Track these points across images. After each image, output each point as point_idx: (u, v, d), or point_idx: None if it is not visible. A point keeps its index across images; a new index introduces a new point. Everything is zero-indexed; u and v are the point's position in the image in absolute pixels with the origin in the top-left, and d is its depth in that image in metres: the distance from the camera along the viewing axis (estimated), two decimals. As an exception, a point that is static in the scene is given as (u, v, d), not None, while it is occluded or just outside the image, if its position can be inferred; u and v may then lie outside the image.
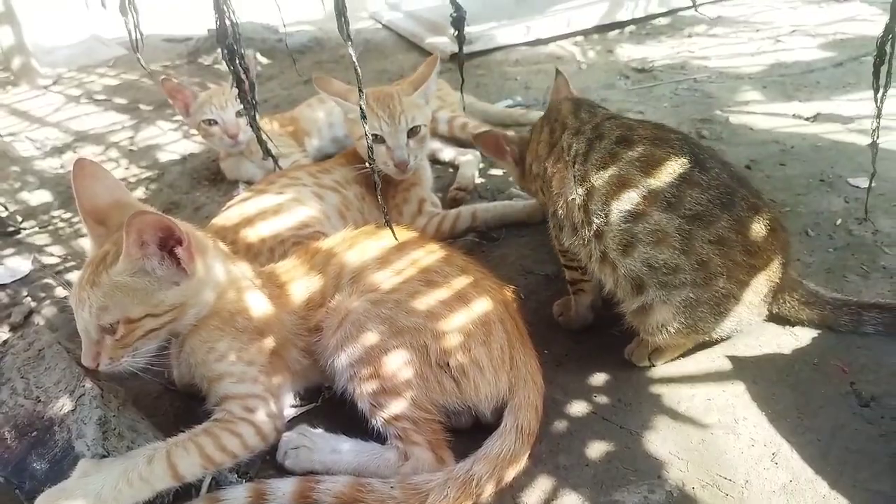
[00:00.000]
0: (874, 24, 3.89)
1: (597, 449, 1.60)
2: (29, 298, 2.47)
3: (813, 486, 1.43)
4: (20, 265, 2.69)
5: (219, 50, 2.13)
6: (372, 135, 2.39)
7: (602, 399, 1.74)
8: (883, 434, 1.52)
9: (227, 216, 2.25)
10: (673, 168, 1.62)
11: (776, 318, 1.84)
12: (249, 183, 3.07)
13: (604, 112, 1.93)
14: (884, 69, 1.64)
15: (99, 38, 5.46)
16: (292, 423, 1.76)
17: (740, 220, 1.60)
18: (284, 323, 1.76)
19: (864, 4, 4.23)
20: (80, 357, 1.73)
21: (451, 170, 3.03)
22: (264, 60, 4.60)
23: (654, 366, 1.80)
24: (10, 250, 2.79)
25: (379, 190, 1.74)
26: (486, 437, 1.57)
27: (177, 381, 1.85)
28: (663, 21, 4.37)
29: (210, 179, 3.25)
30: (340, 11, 1.34)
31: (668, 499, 1.45)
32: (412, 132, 2.40)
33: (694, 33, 4.16)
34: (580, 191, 1.71)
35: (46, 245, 2.85)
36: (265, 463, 1.67)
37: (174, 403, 1.91)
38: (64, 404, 1.57)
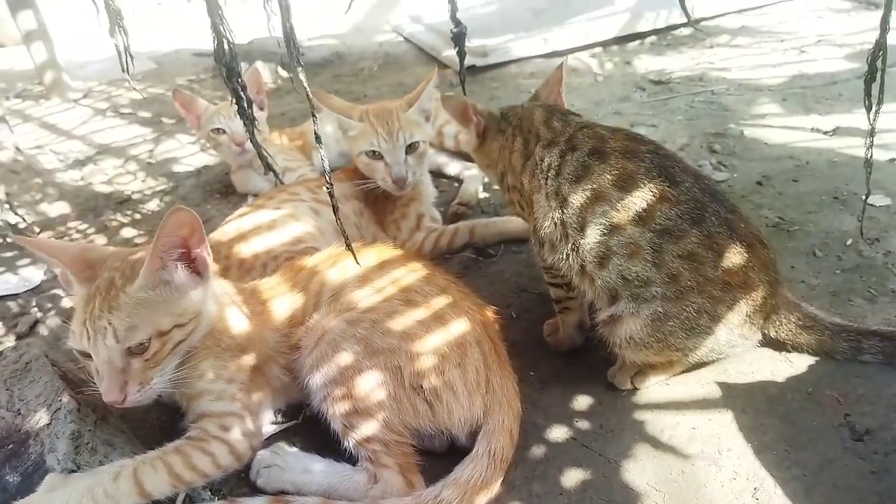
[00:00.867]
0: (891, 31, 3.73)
1: (573, 477, 1.55)
2: (36, 309, 2.53)
3: (793, 524, 1.36)
4: (32, 275, 2.75)
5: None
6: (370, 151, 2.39)
7: (584, 424, 1.69)
8: (874, 471, 1.44)
9: (225, 231, 2.27)
10: (643, 182, 1.60)
11: (773, 343, 1.77)
12: (258, 196, 3.10)
13: (577, 121, 1.88)
14: (875, 85, 1.57)
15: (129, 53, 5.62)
16: (271, 440, 1.76)
17: (710, 235, 1.57)
18: (266, 340, 1.75)
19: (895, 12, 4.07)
20: (64, 371, 1.78)
21: (455, 184, 3.01)
22: (284, 74, 4.66)
23: (637, 389, 1.75)
24: (25, 260, 2.86)
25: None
26: (460, 462, 1.54)
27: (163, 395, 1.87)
28: (685, 31, 4.28)
29: (222, 192, 3.29)
30: (288, 37, 1.33)
31: (640, 533, 1.40)
32: (410, 148, 2.39)
33: (716, 44, 4.07)
34: (555, 205, 1.70)
35: (60, 256, 2.91)
36: (240, 481, 1.66)
37: (161, 417, 1.92)
38: (41, 418, 1.59)
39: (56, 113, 4.57)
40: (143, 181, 3.49)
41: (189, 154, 3.74)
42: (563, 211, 1.68)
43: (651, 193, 1.59)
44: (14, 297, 2.63)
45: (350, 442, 1.57)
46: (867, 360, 1.68)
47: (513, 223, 2.50)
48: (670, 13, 4.38)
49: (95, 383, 1.53)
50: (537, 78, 4.05)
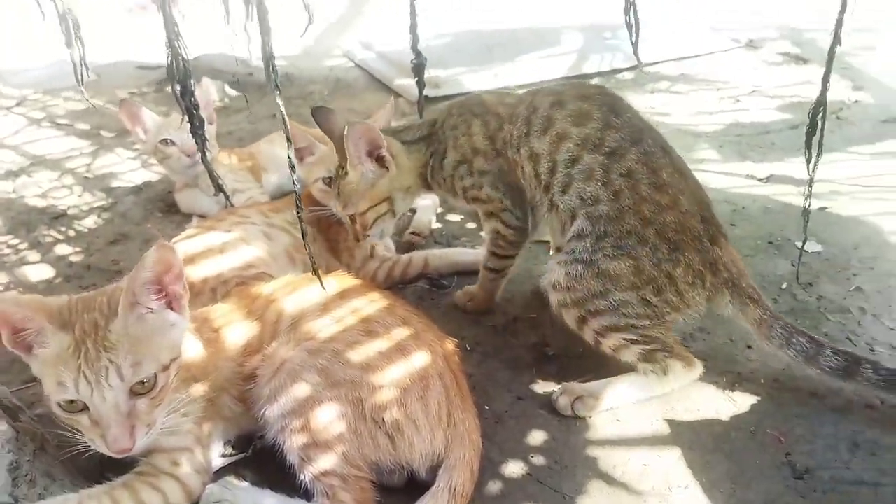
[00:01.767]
0: (830, 88, 4.00)
1: (529, 513, 1.57)
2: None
3: (742, 560, 1.42)
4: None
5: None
6: (327, 178, 2.38)
7: (539, 460, 1.71)
8: (815, 508, 1.51)
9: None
10: (597, 116, 1.84)
11: (717, 372, 1.84)
12: (204, 217, 3.02)
13: (523, 93, 2.11)
14: (815, 139, 1.69)
15: (67, 62, 5.41)
16: (220, 473, 1.70)
17: (647, 153, 1.79)
18: (221, 369, 1.70)
19: (822, 68, 4.36)
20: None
21: (409, 213, 3.02)
22: (232, 93, 4.58)
23: (578, 418, 1.81)
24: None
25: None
26: (419, 497, 1.53)
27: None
28: (628, 76, 4.46)
29: (164, 211, 3.19)
30: (268, 61, 1.33)
31: (596, 569, 1.42)
32: None
33: (657, 89, 4.25)
34: (528, 162, 1.93)
35: (-12, 271, 2.76)
36: (187, 517, 1.60)
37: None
38: (-25, 448, 1.49)
39: (-15, 120, 4.34)
40: (80, 196, 3.35)
41: (129, 169, 3.61)
42: (536, 163, 1.91)
43: (601, 123, 1.83)
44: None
45: (307, 475, 1.53)
46: (790, 355, 1.75)
47: (466, 254, 2.53)
48: (614, 56, 4.57)
49: (82, 436, 1.44)
50: (488, 111, 4.14)
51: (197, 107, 2.21)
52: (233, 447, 1.79)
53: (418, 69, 2.52)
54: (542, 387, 1.95)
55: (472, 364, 2.05)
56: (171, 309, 1.51)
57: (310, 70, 5.08)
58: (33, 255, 2.87)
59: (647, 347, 1.78)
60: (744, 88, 4.13)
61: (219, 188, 2.30)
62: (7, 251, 2.92)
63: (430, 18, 4.07)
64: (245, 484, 1.62)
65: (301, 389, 1.57)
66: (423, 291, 2.46)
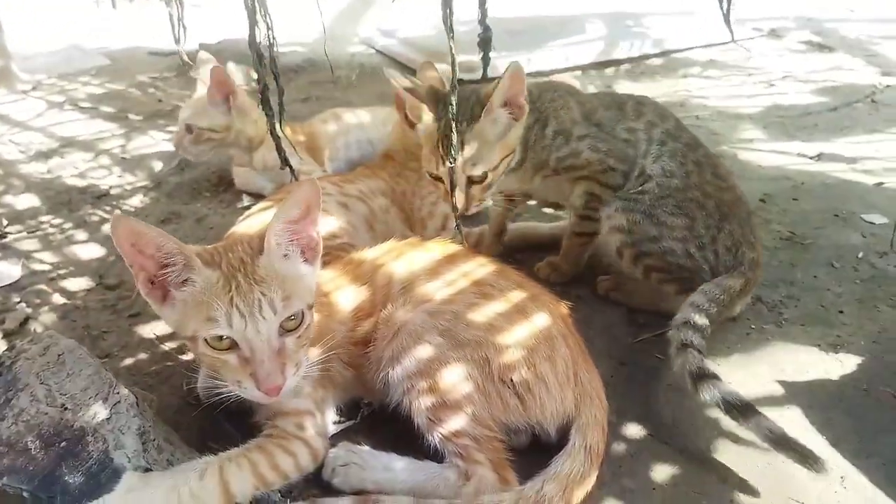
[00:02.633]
0: (859, 74, 4.07)
1: (661, 472, 1.55)
2: (24, 304, 2.30)
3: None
4: (9, 270, 2.51)
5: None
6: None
7: (656, 422, 1.70)
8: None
9: (249, 224, 2.16)
10: (671, 118, 2.18)
11: (816, 335, 1.84)
12: (255, 196, 2.97)
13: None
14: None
15: (79, 48, 5.30)
16: (333, 439, 1.66)
17: (707, 154, 2.14)
18: (335, 333, 1.66)
19: (847, 56, 4.43)
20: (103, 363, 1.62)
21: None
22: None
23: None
24: (-3, 254, 2.61)
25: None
26: (543, 459, 1.50)
27: (201, 392, 1.73)
28: (657, 62, 4.48)
29: (211, 190, 3.13)
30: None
31: (744, 523, 1.41)
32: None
33: (688, 74, 4.28)
34: (627, 133, 2.15)
35: (35, 251, 2.67)
36: (308, 482, 1.55)
37: (197, 418, 1.78)
38: (97, 412, 1.43)
39: (4, 104, 4.22)
40: (120, 176, 3.26)
41: (166, 150, 3.53)
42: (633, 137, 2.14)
43: (676, 123, 2.18)
44: (-8, 292, 2.39)
45: (436, 437, 1.50)
46: None
47: (540, 228, 2.50)
48: (643, 43, 4.58)
49: (224, 381, 1.39)
50: (522, 95, 4.12)
51: (277, 76, 2.18)
52: (342, 414, 1.75)
53: (485, 43, 2.49)
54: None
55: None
56: (307, 257, 1.48)
57: (331, 55, 5.03)
58: (80, 235, 2.79)
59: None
60: (775, 74, 4.17)
61: (286, 162, 2.26)
62: (52, 230, 2.83)
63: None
64: (367, 447, 1.58)
65: (424, 350, 1.54)
66: (497, 265, 2.43)
